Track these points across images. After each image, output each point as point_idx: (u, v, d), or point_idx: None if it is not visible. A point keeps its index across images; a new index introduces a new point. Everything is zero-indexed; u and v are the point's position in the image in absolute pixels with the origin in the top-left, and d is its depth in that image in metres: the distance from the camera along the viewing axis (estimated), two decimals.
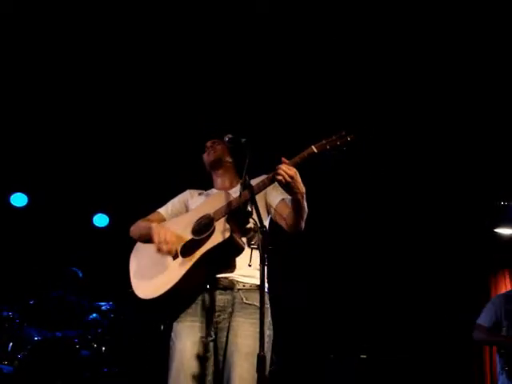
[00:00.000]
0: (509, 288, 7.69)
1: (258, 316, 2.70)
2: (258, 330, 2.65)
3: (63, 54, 5.93)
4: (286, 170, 2.97)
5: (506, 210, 7.33)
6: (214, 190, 3.70)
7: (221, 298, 3.22)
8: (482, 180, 7.07)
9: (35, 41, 5.74)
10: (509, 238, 7.55)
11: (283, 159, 3.06)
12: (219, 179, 3.73)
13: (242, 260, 3.22)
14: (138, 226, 3.55)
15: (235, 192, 3.28)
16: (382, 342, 7.36)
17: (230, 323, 3.18)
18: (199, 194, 3.70)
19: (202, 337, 3.17)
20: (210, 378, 3.15)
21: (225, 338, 3.16)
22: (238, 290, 3.24)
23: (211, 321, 3.18)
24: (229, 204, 3.16)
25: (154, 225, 3.36)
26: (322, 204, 7.17)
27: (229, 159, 3.73)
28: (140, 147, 7.22)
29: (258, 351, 2.62)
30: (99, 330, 6.50)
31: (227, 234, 3.06)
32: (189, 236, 3.24)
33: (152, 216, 3.64)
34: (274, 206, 3.39)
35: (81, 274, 7.01)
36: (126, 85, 6.37)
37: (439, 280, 7.57)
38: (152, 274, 3.27)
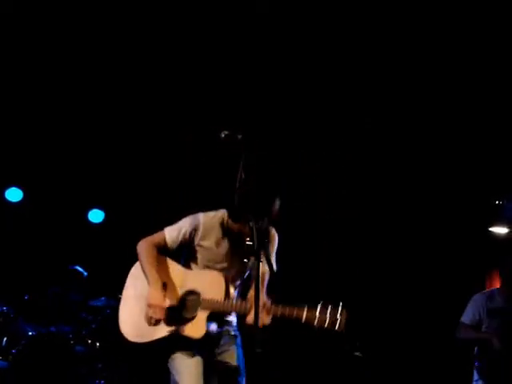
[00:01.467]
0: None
1: (238, 342, 3.58)
2: (240, 353, 3.54)
3: (58, 49, 5.92)
4: (265, 319, 3.18)
5: (501, 208, 7.33)
6: (221, 235, 3.60)
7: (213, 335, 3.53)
8: (477, 179, 7.07)
9: (30, 36, 5.74)
10: (504, 237, 7.55)
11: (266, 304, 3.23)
12: (234, 226, 3.56)
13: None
14: (144, 258, 3.60)
15: (240, 253, 3.48)
16: (377, 341, 7.36)
17: (222, 350, 3.57)
18: (209, 234, 3.59)
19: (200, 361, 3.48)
20: None
21: (218, 363, 3.55)
22: (227, 325, 3.62)
23: (205, 350, 3.50)
24: (218, 304, 3.37)
25: (153, 284, 3.49)
26: (317, 200, 7.21)
27: None
28: (135, 143, 7.22)
29: (243, 368, 3.47)
30: (93, 326, 6.50)
31: (200, 334, 3.34)
32: (175, 301, 3.46)
33: (159, 241, 3.62)
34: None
35: (85, 274, 6.98)
36: (121, 80, 6.37)
37: (434, 279, 7.56)
38: (135, 320, 3.53)
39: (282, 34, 5.68)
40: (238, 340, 3.65)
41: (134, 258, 3.72)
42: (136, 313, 3.54)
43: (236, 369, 3.52)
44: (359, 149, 7.25)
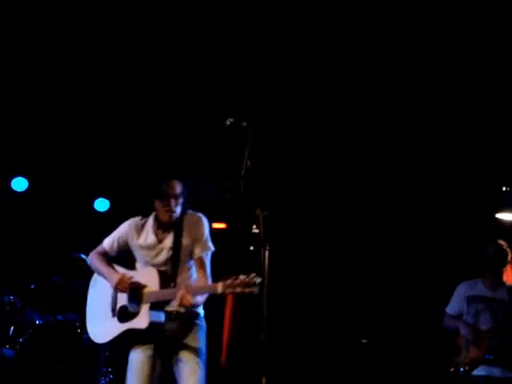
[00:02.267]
0: (509, 275, 7.66)
1: (198, 330, 3.78)
2: (200, 344, 3.74)
3: (60, 42, 5.92)
4: (184, 301, 3.50)
5: (508, 195, 7.30)
6: (149, 231, 3.89)
7: (169, 324, 3.73)
8: (483, 165, 7.05)
9: (34, 29, 5.74)
10: (511, 224, 7.52)
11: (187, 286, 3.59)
12: (161, 222, 3.88)
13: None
14: (95, 265, 4.10)
15: (167, 244, 3.80)
16: (384, 327, 7.37)
17: (177, 341, 3.75)
18: (138, 235, 3.91)
19: (153, 354, 3.75)
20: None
21: (175, 354, 3.74)
22: (187, 317, 3.77)
23: (163, 340, 3.74)
24: (155, 295, 3.65)
25: (110, 274, 3.90)
26: (317, 200, 7.22)
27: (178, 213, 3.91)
28: (140, 132, 7.21)
29: (202, 362, 3.68)
30: None
31: (145, 324, 3.60)
32: (125, 300, 3.78)
33: (101, 250, 4.09)
34: (194, 257, 3.84)
35: (88, 261, 6.99)
36: (126, 71, 6.37)
37: (441, 266, 7.55)
38: (97, 321, 3.97)
39: (281, 34, 5.69)
40: (197, 328, 3.81)
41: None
42: (96, 316, 3.99)
43: (195, 349, 3.72)
44: (359, 149, 7.25)
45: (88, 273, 6.82)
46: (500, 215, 7.51)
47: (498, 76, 5.94)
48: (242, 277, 3.24)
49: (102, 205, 8.36)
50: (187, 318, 3.78)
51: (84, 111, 7.01)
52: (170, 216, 3.78)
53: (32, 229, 7.88)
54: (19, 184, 7.92)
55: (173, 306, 3.69)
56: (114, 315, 3.81)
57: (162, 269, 3.76)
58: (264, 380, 2.76)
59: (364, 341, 7.22)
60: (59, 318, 6.42)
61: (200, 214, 3.91)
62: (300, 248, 7.75)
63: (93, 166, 7.79)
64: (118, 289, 3.80)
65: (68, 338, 6.17)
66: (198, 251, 3.81)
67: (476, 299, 5.28)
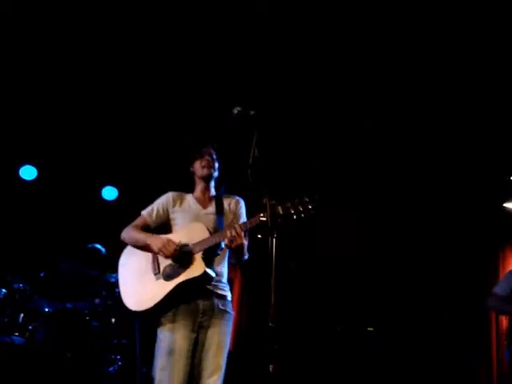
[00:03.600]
0: None
1: (230, 318, 3.83)
2: (228, 329, 3.80)
3: (68, 32, 5.94)
4: (237, 238, 3.55)
5: None
6: (191, 200, 4.07)
7: (203, 303, 3.78)
8: (490, 155, 7.03)
9: (37, 24, 5.77)
10: None
11: (235, 225, 3.64)
12: (201, 191, 4.13)
13: (222, 268, 3.90)
14: (131, 235, 4.02)
15: (211, 210, 3.97)
16: (390, 316, 7.40)
17: (209, 323, 3.78)
18: (181, 203, 4.06)
19: (188, 332, 3.72)
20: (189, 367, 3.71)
21: (204, 334, 3.77)
22: (216, 298, 3.83)
23: (195, 321, 3.75)
24: (206, 241, 3.69)
25: (150, 238, 3.87)
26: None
27: (217, 174, 4.15)
28: (148, 121, 7.22)
29: (228, 345, 3.78)
30: (109, 302, 6.55)
31: (201, 271, 3.64)
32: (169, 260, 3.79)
33: (139, 222, 4.07)
34: None
35: (104, 251, 7.04)
36: (132, 62, 6.38)
37: (448, 256, 7.57)
38: (138, 290, 3.86)
39: (281, 35, 5.70)
40: (228, 316, 3.87)
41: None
42: (134, 284, 3.90)
43: (217, 345, 3.75)
44: (359, 149, 7.26)
45: (103, 263, 6.95)
46: (507, 204, 7.52)
47: (502, 69, 5.92)
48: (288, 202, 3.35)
49: (110, 193, 8.40)
50: (217, 298, 3.82)
51: (92, 100, 7.02)
52: (209, 169, 4.02)
53: (40, 217, 7.91)
54: (28, 172, 7.96)
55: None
56: (158, 277, 3.78)
57: None
58: (271, 367, 2.78)
59: (370, 329, 7.25)
60: (68, 305, 6.46)
61: (238, 197, 4.13)
62: (306, 237, 7.77)
63: (101, 154, 7.81)
64: (161, 253, 3.76)
65: (77, 325, 6.21)
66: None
67: None
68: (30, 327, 6.14)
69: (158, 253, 3.78)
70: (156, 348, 3.75)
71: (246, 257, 3.78)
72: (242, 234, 3.55)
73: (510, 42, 5.52)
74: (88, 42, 6.11)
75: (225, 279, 3.94)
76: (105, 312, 6.49)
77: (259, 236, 3.42)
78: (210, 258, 3.73)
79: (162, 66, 6.45)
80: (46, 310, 6.35)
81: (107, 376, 6.15)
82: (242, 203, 4.08)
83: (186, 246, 3.75)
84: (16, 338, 6.14)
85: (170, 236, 3.87)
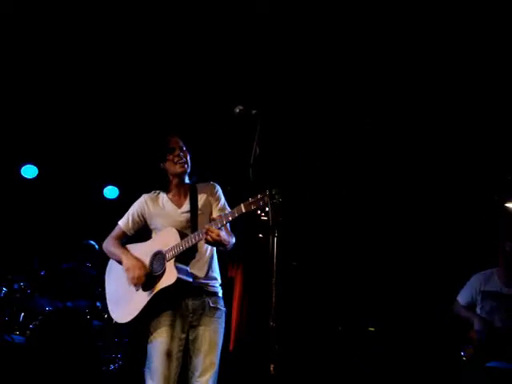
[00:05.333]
0: None
1: (221, 315, 3.78)
2: (220, 326, 3.75)
3: (71, 30, 5.94)
4: (211, 234, 3.46)
5: None
6: (166, 201, 3.95)
7: (192, 302, 3.75)
8: (491, 154, 7.03)
9: (43, 19, 5.77)
10: None
11: (213, 218, 3.64)
12: (175, 188, 3.98)
13: (203, 266, 3.82)
14: (109, 249, 4.00)
15: (186, 208, 3.86)
16: (391, 316, 7.39)
17: (200, 321, 3.74)
18: (155, 205, 3.95)
19: (177, 333, 3.70)
20: (179, 369, 3.70)
21: (195, 332, 3.73)
22: (206, 296, 3.79)
23: (185, 321, 3.73)
24: (177, 247, 3.61)
25: (124, 256, 3.84)
26: (317, 200, 7.24)
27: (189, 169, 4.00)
28: (150, 120, 7.21)
29: (220, 342, 3.74)
30: None
31: (173, 280, 3.57)
32: (148, 268, 3.75)
33: (117, 233, 4.02)
34: (214, 215, 3.84)
35: (97, 247, 7.05)
36: (134, 60, 6.38)
37: (449, 255, 7.55)
38: (121, 302, 3.86)
39: (281, 35, 5.70)
40: (219, 313, 3.82)
41: (148, 235, 3.99)
42: (117, 298, 3.90)
43: (209, 343, 3.71)
44: (359, 149, 7.26)
45: (98, 259, 6.95)
46: (509, 204, 7.50)
47: (502, 69, 5.92)
48: (260, 193, 3.27)
49: (111, 192, 8.40)
50: (207, 295, 3.78)
51: (94, 99, 7.02)
52: (182, 166, 3.87)
53: (42, 216, 7.91)
54: (29, 171, 7.96)
55: (197, 270, 3.74)
56: (137, 288, 3.75)
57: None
58: (272, 367, 2.77)
59: (371, 329, 7.24)
60: (69, 304, 6.47)
61: (212, 182, 4.01)
62: (308, 236, 7.76)
63: (102, 153, 7.80)
64: (130, 281, 3.74)
65: (77, 324, 6.21)
66: (216, 212, 3.86)
67: (492, 295, 5.21)
68: (31, 326, 6.15)
69: (129, 281, 3.76)
70: (148, 350, 3.73)
71: (231, 244, 3.71)
72: (216, 227, 3.47)
73: (510, 42, 5.52)
74: (89, 42, 6.11)
75: (215, 275, 3.88)
76: (105, 311, 6.49)
77: (260, 235, 3.40)
78: (186, 261, 3.66)
79: (164, 66, 6.45)
80: (47, 308, 6.36)
81: (108, 374, 6.16)
82: (217, 188, 3.98)
83: (159, 253, 3.71)
84: (16, 336, 6.15)
85: (145, 244, 3.88)
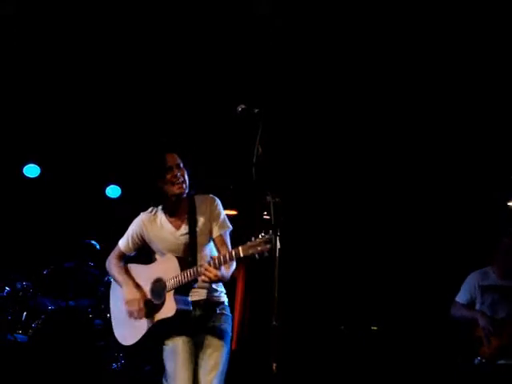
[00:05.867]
0: None
1: (227, 320, 3.79)
2: (227, 329, 3.76)
3: (71, 29, 5.95)
4: (208, 274, 3.41)
5: None
6: (164, 221, 3.84)
7: (198, 311, 3.75)
8: (493, 154, 7.02)
9: (44, 18, 5.79)
10: None
11: (210, 261, 3.47)
12: (173, 207, 3.83)
13: (203, 292, 3.79)
14: (111, 272, 3.98)
15: (184, 230, 3.76)
16: (393, 315, 7.39)
17: (207, 324, 3.75)
18: (153, 226, 3.85)
19: (186, 337, 3.71)
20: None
21: (202, 335, 3.73)
22: (212, 305, 3.80)
23: (191, 327, 3.71)
24: (176, 279, 3.57)
25: (124, 287, 3.82)
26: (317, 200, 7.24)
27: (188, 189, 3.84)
28: (152, 120, 7.22)
29: (227, 344, 3.74)
30: None
31: (172, 312, 3.55)
32: (148, 294, 3.73)
33: (118, 253, 3.98)
34: (213, 236, 3.82)
35: (98, 246, 7.05)
36: (139, 60, 6.39)
37: (451, 254, 7.55)
38: (125, 324, 3.83)
39: (283, 35, 5.71)
40: (225, 318, 3.82)
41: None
42: (121, 320, 3.88)
43: (215, 343, 3.71)
44: (360, 148, 7.27)
45: (99, 259, 6.95)
46: (511, 203, 7.50)
47: (503, 69, 5.92)
48: (259, 236, 3.19)
49: (113, 191, 8.40)
50: (213, 306, 3.79)
51: (96, 99, 7.02)
52: (180, 187, 3.70)
53: (44, 215, 7.92)
54: (31, 170, 7.96)
55: (198, 295, 3.72)
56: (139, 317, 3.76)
57: (182, 255, 3.70)
58: (274, 366, 2.77)
59: (374, 328, 7.24)
60: (71, 303, 6.47)
61: (211, 195, 3.88)
62: (310, 235, 7.76)
63: (104, 152, 7.80)
64: (129, 313, 3.74)
65: (80, 323, 6.22)
66: (216, 230, 3.78)
67: (491, 288, 5.25)
68: (34, 325, 6.15)
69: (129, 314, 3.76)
70: (163, 358, 3.74)
71: (229, 277, 3.63)
72: (212, 269, 3.41)
73: (510, 42, 5.52)
74: (91, 41, 6.11)
75: (218, 288, 3.86)
76: (108, 310, 6.49)
77: (262, 234, 3.38)
78: (185, 291, 3.64)
79: (166, 66, 6.46)
80: (49, 308, 6.37)
81: (110, 373, 6.16)
82: (217, 202, 3.84)
83: (159, 281, 3.68)
84: (19, 335, 6.16)
85: (146, 268, 3.85)
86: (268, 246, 3.13)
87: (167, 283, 3.61)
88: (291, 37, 5.78)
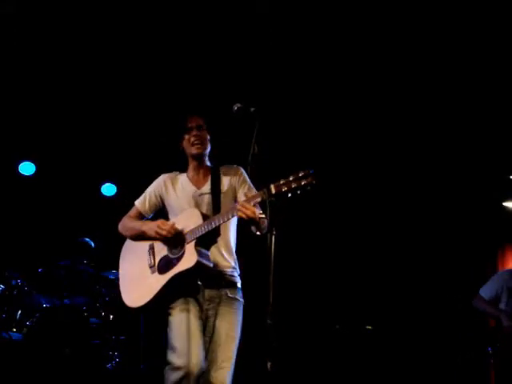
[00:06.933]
0: None
1: (239, 306, 3.62)
2: (238, 318, 3.60)
3: (68, 27, 5.95)
4: (244, 210, 3.20)
5: None
6: (185, 181, 3.79)
7: (209, 291, 3.58)
8: (489, 154, 7.04)
9: (41, 17, 5.79)
10: None
11: (246, 194, 3.44)
12: (194, 169, 3.81)
13: (223, 253, 3.64)
14: (126, 225, 3.85)
15: (206, 189, 3.66)
16: (388, 314, 7.39)
17: (216, 311, 3.58)
18: (174, 186, 3.80)
19: (198, 313, 3.54)
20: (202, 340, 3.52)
21: (212, 323, 3.56)
22: (224, 285, 3.62)
23: (202, 308, 3.56)
24: (198, 228, 3.40)
25: (144, 225, 3.68)
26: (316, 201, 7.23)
27: (209, 149, 3.81)
28: (148, 118, 7.21)
29: (237, 335, 3.59)
30: (107, 299, 6.56)
31: (193, 262, 3.36)
32: (166, 250, 3.57)
33: (133, 212, 3.88)
34: (239, 200, 3.59)
35: (93, 245, 7.04)
36: (134, 59, 6.39)
37: (446, 254, 7.56)
38: (135, 285, 3.69)
39: (280, 34, 5.72)
40: (237, 304, 3.67)
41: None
42: (132, 279, 3.73)
43: (226, 335, 3.58)
44: (358, 148, 7.27)
45: (94, 257, 6.95)
46: (506, 203, 7.52)
47: (502, 69, 5.93)
48: (293, 174, 3.05)
49: (109, 190, 8.39)
50: (228, 284, 3.63)
51: (91, 96, 7.02)
52: (198, 147, 3.70)
53: (39, 213, 7.90)
54: (27, 168, 7.94)
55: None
56: (153, 271, 3.58)
57: None
58: (269, 364, 2.77)
59: (369, 327, 7.24)
60: (66, 301, 6.46)
61: (237, 165, 3.81)
62: (306, 234, 7.76)
63: (100, 150, 7.79)
64: (158, 235, 3.52)
65: (75, 321, 6.21)
66: (242, 195, 3.62)
67: None
68: (28, 323, 6.14)
69: (155, 237, 3.56)
70: (169, 334, 3.54)
71: (266, 226, 3.17)
72: (249, 205, 3.20)
73: (510, 42, 5.53)
74: (87, 39, 6.12)
75: (234, 264, 3.71)
76: (103, 308, 6.49)
77: (257, 233, 3.37)
78: (206, 245, 3.45)
79: (162, 64, 6.46)
80: (44, 305, 6.35)
81: (105, 372, 6.16)
82: (242, 170, 3.75)
83: (179, 234, 3.51)
84: (14, 333, 6.15)
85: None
86: (303, 182, 3.01)
87: (187, 236, 3.46)
88: (289, 35, 5.78)
